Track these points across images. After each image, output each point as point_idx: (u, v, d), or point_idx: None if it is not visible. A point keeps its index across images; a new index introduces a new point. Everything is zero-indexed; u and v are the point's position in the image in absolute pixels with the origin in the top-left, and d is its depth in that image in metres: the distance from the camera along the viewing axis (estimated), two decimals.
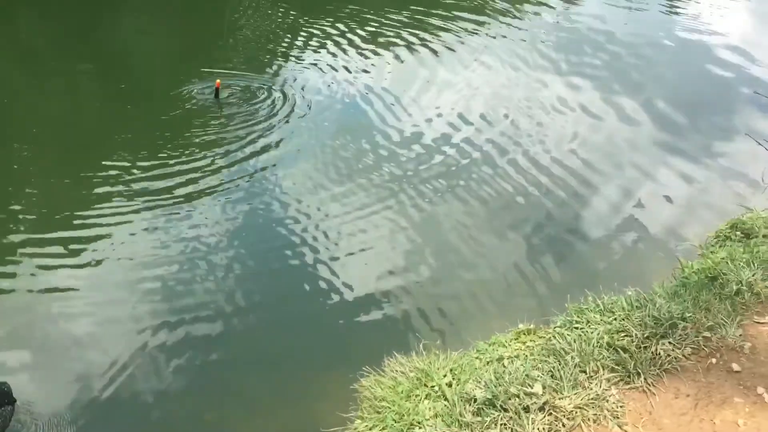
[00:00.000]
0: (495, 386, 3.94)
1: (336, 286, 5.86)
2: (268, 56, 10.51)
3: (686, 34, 12.02)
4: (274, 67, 10.12)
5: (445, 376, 4.29)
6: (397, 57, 10.47)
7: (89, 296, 5.69)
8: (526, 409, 3.77)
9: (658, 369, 4.03)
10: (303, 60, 10.29)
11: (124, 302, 5.64)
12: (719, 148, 8.25)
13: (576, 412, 3.76)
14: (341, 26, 11.42)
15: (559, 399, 3.83)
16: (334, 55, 10.45)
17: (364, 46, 10.77)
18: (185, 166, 7.35)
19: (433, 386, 4.24)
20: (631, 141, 8.34)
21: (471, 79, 9.85)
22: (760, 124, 8.79)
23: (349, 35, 11.12)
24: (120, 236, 6.36)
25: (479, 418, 3.79)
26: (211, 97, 8.69)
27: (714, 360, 4.08)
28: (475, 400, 3.89)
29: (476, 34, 11.48)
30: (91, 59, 10.15)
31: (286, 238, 6.44)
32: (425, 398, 4.17)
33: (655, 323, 4.28)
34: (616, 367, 4.06)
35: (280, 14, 12.06)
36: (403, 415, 4.03)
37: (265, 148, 7.82)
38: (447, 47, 10.91)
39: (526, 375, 4.01)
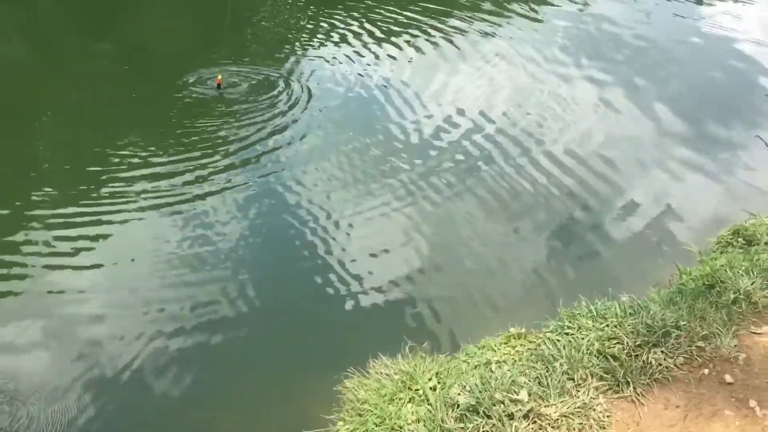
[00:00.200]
0: (480, 392, 3.84)
1: (333, 284, 5.80)
2: (284, 47, 10.52)
3: (708, 31, 11.86)
4: (290, 59, 10.09)
5: (430, 379, 4.20)
6: (414, 51, 10.44)
7: (94, 290, 5.68)
8: (511, 417, 3.67)
9: (649, 378, 3.92)
10: (318, 52, 10.29)
11: (130, 294, 5.63)
12: (729, 151, 8.14)
13: (561, 421, 3.66)
14: (359, 19, 11.40)
15: (545, 407, 3.73)
16: (350, 48, 10.43)
17: (381, 39, 10.75)
18: (196, 162, 7.29)
19: (417, 390, 4.15)
20: (640, 141, 8.26)
21: (490, 75, 9.79)
22: None
23: (366, 28, 11.13)
24: (130, 227, 6.38)
25: (461, 425, 3.70)
26: (217, 90, 8.67)
27: (706, 371, 3.96)
28: (458, 406, 3.79)
29: (496, 29, 11.44)
30: (107, 43, 10.24)
31: (288, 235, 6.39)
32: (409, 402, 4.08)
33: (647, 331, 4.16)
34: (605, 375, 3.96)
35: (299, 5, 12.00)
36: (385, 419, 3.95)
37: (277, 142, 7.78)
38: (466, 42, 10.88)
39: (513, 381, 3.91)
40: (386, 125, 8.24)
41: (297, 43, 10.66)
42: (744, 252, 5.31)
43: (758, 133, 8.31)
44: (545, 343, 4.35)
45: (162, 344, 5.17)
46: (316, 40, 10.72)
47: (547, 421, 3.65)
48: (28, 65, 9.59)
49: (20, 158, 7.39)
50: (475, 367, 4.32)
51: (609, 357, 4.05)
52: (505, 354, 4.44)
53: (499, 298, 5.73)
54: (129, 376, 4.93)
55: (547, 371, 4.01)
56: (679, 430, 3.62)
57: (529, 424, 3.64)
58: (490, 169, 7.47)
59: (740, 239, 5.69)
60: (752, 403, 3.70)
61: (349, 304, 5.62)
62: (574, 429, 3.62)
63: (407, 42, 10.71)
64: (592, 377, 3.96)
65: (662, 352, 4.04)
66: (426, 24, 11.39)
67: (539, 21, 11.99)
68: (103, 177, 6.95)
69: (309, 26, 11.25)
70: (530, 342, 4.53)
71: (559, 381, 3.91)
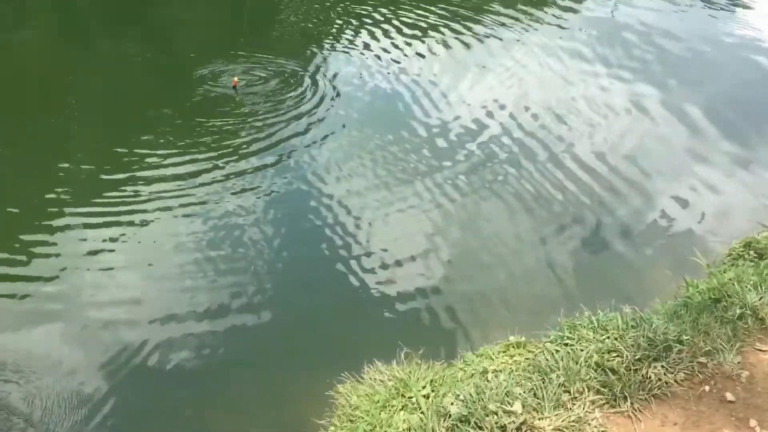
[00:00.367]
0: (473, 401, 3.77)
1: (339, 285, 5.75)
2: (311, 43, 10.50)
3: (744, 33, 11.64)
4: (316, 55, 10.05)
5: (424, 387, 4.13)
6: (437, 48, 10.36)
7: (111, 280, 5.72)
8: (503, 429, 3.59)
9: (647, 393, 3.82)
10: (345, 49, 10.24)
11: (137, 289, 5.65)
12: (751, 158, 7.92)
13: None
14: (387, 16, 11.34)
15: (539, 419, 3.65)
16: (377, 45, 10.37)
17: (408, 37, 10.67)
18: (216, 161, 7.25)
19: (410, 397, 4.09)
20: (664, 146, 8.07)
21: (518, 76, 9.66)
22: None
23: (394, 25, 11.05)
24: (147, 225, 6.36)
25: None
26: (234, 91, 8.62)
27: (707, 387, 3.85)
28: (450, 416, 3.71)
29: (526, 29, 11.29)
30: (133, 32, 10.35)
31: (302, 236, 6.37)
32: (401, 409, 4.02)
33: (649, 344, 4.06)
34: (603, 389, 3.86)
35: (327, 2, 12.01)
36: (376, 426, 3.89)
37: (300, 139, 7.75)
38: (495, 42, 10.76)
39: (507, 391, 3.83)
40: (411, 125, 8.16)
41: (324, 39, 10.62)
42: (754, 266, 5.17)
43: None
44: (544, 354, 4.26)
45: (162, 341, 5.16)
46: (343, 36, 10.69)
47: None
48: (55, 52, 9.69)
49: (44, 148, 7.46)
50: (471, 375, 4.25)
51: (607, 370, 3.96)
52: (502, 363, 4.37)
53: (503, 306, 5.64)
54: (128, 370, 4.93)
55: (544, 383, 3.92)
56: None
57: None
58: (514, 172, 7.34)
59: (752, 252, 5.55)
60: (752, 423, 3.59)
61: (349, 307, 5.57)
62: None
63: (435, 41, 10.62)
64: (588, 390, 3.86)
65: (662, 367, 3.94)
66: (454, 23, 11.30)
67: (569, 21, 11.81)
68: (122, 175, 6.96)
69: (337, 22, 11.21)
70: (529, 352, 4.45)
71: (555, 393, 3.82)
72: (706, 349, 4.05)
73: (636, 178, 7.40)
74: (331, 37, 10.68)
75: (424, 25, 11.14)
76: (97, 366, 4.92)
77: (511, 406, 3.69)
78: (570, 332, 4.42)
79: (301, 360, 4.94)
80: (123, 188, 6.72)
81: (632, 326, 4.29)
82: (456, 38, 10.74)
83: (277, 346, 5.13)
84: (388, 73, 9.41)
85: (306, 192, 6.86)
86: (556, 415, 3.67)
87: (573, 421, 3.64)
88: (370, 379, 4.31)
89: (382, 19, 11.23)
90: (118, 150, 7.29)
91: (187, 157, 7.24)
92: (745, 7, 13.34)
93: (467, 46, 10.53)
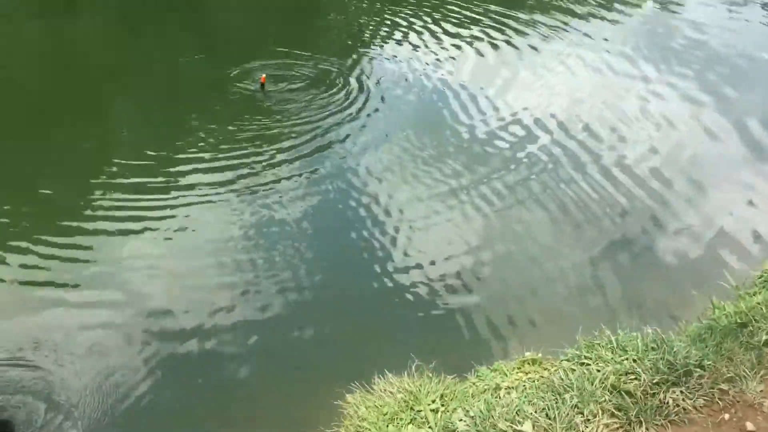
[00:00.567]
0: (482, 419, 3.69)
1: (361, 292, 5.71)
2: (347, 43, 10.54)
3: None
4: (352, 55, 10.06)
5: (433, 401, 4.05)
6: (478, 53, 10.26)
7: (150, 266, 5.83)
8: None
9: (663, 419, 3.68)
10: (381, 49, 10.24)
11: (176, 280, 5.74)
12: None
13: None
14: (424, 17, 11.32)
15: None
16: (413, 46, 10.34)
17: (445, 39, 10.61)
18: (250, 159, 7.29)
19: (419, 410, 4.01)
20: (705, 160, 7.80)
21: (555, 81, 9.53)
22: None
23: (430, 27, 10.99)
24: (183, 222, 6.43)
25: None
26: (261, 89, 8.60)
27: (727, 416, 3.70)
28: None
29: (563, 34, 11.12)
30: (180, 27, 10.65)
31: (336, 236, 6.37)
32: (409, 423, 3.94)
33: (668, 368, 3.92)
34: (617, 412, 3.73)
35: (365, 2, 12.02)
36: None
37: (338, 139, 7.76)
38: (532, 45, 10.62)
39: (518, 410, 3.74)
40: (445, 127, 8.10)
41: (361, 39, 10.63)
42: None
43: None
44: (559, 372, 4.14)
45: (185, 339, 5.20)
46: (379, 37, 10.68)
47: None
48: (106, 41, 9.90)
49: (86, 146, 7.60)
50: (483, 391, 4.16)
51: (623, 393, 3.83)
52: (516, 380, 4.26)
53: (523, 320, 5.51)
54: (148, 367, 4.97)
55: (556, 403, 3.81)
56: None
57: None
58: (544, 179, 7.23)
59: None
60: None
61: (368, 315, 5.51)
62: None
63: (472, 43, 10.53)
64: (603, 413, 3.74)
65: (681, 392, 3.80)
66: (492, 25, 11.19)
67: (612, 24, 11.60)
68: (160, 178, 7.02)
69: (374, 22, 11.21)
70: (544, 369, 4.34)
71: (568, 414, 3.71)
72: (729, 375, 3.90)
73: (678, 192, 7.18)
74: (376, 39, 10.68)
75: (470, 28, 11.06)
76: (122, 360, 4.97)
77: (521, 426, 3.60)
78: (588, 351, 4.31)
79: (313, 366, 4.91)
80: (161, 188, 6.80)
81: (652, 348, 4.16)
82: (503, 42, 10.63)
83: (291, 349, 5.10)
84: (433, 77, 9.34)
85: (343, 196, 6.83)
86: None
87: None
88: (380, 390, 4.25)
89: (429, 21, 11.19)
90: (159, 149, 7.40)
91: (224, 161, 7.29)
92: None
93: (515, 50, 10.41)
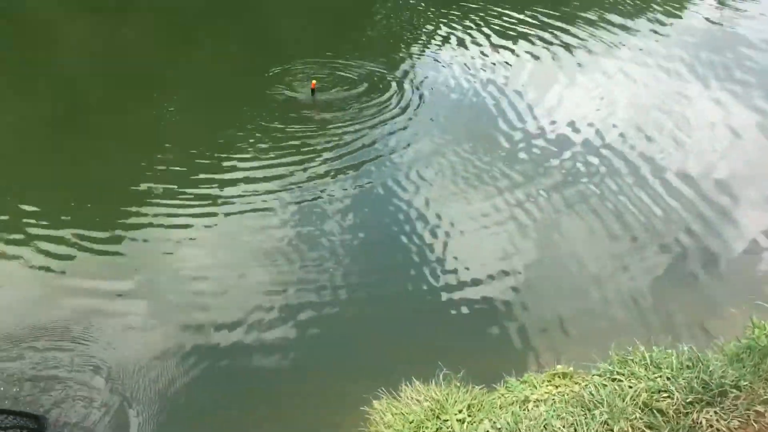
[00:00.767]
0: (509, 431, 3.63)
1: (395, 298, 5.73)
2: (399, 49, 10.53)
3: None
4: (404, 61, 10.06)
5: (460, 411, 4.01)
6: (531, 59, 10.17)
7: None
8: None
9: None
10: (433, 55, 10.21)
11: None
12: None
13: None
14: (476, 23, 11.26)
15: None
16: (465, 52, 10.29)
17: (497, 45, 10.54)
18: (299, 165, 7.34)
19: (445, 420, 3.97)
20: (759, 173, 7.60)
21: (607, 90, 9.37)
22: None
23: (483, 32, 10.94)
24: (229, 223, 6.57)
25: None
26: (311, 96, 8.61)
27: None
28: None
29: (619, 42, 10.93)
30: (230, 30, 10.72)
31: (375, 240, 6.39)
32: None
33: (703, 388, 3.82)
34: (648, 430, 3.65)
35: (419, 8, 12.04)
36: None
37: (380, 141, 7.81)
38: (585, 54, 10.49)
39: (546, 424, 3.68)
40: (495, 136, 8.04)
41: (413, 44, 10.62)
42: None
43: None
44: (590, 387, 4.06)
45: (221, 335, 5.30)
46: (431, 41, 10.66)
47: None
48: (156, 43, 10.14)
49: (138, 141, 7.78)
50: (511, 403, 4.10)
51: (655, 411, 3.74)
52: (545, 393, 4.19)
53: (557, 332, 5.44)
54: (185, 361, 5.09)
55: (586, 418, 3.75)
56: None
57: None
58: (596, 191, 7.13)
59: None
60: None
61: (399, 322, 5.51)
62: None
63: (524, 50, 10.43)
64: (633, 431, 3.66)
65: (715, 412, 3.69)
66: (545, 33, 11.07)
67: (666, 36, 11.35)
68: (206, 175, 7.15)
69: (425, 27, 11.20)
70: (575, 383, 4.26)
71: (597, 431, 3.64)
72: (765, 397, 3.78)
73: (722, 206, 7.01)
74: (420, 42, 10.66)
75: (513, 33, 10.96)
76: (162, 348, 5.12)
77: None
78: (620, 367, 4.21)
79: (342, 369, 4.94)
80: (207, 187, 6.93)
81: (687, 366, 4.05)
82: (545, 48, 10.51)
83: (321, 352, 5.14)
84: (476, 82, 9.29)
85: (388, 201, 6.85)
86: None
87: None
88: (407, 397, 4.22)
89: (472, 26, 11.11)
90: (205, 148, 7.52)
91: (269, 166, 7.36)
92: None
93: (556, 56, 10.28)
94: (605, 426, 3.69)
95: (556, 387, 4.26)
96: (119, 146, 7.50)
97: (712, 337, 4.87)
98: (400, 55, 10.22)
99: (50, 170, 7.10)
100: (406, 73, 9.45)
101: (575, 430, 3.66)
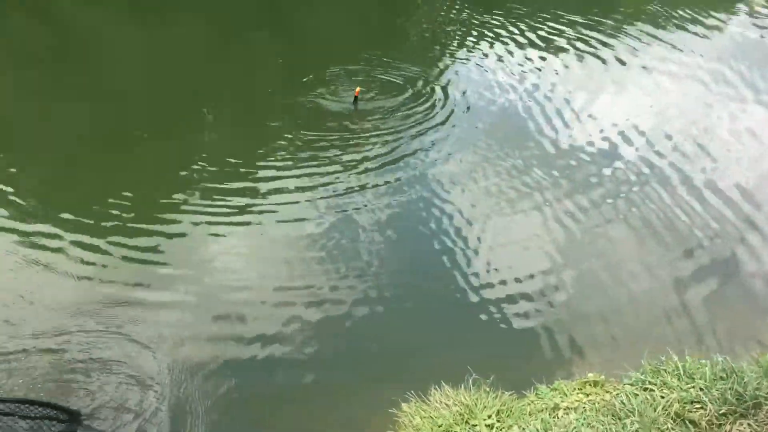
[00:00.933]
0: None
1: (430, 302, 5.67)
2: (434, 51, 10.52)
3: None
4: (438, 63, 10.05)
5: (489, 416, 4.00)
6: (572, 64, 10.08)
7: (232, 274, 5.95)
8: None
9: None
10: (468, 58, 10.15)
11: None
12: None
13: None
14: (511, 27, 11.19)
15: None
16: (505, 55, 10.23)
17: (537, 49, 10.46)
18: (338, 173, 7.29)
19: (474, 425, 3.96)
20: None
21: (650, 94, 9.25)
22: None
23: (518, 37, 10.86)
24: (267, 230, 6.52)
25: None
26: (353, 104, 8.57)
27: None
28: None
29: (662, 46, 10.78)
30: (265, 33, 10.74)
31: (415, 245, 6.34)
32: None
33: (737, 399, 3.77)
34: None
35: (455, 9, 12.05)
36: None
37: (422, 148, 7.75)
38: (627, 57, 10.35)
39: None
40: (540, 142, 7.96)
41: (456, 51, 10.55)
42: None
43: None
44: (621, 396, 4.03)
45: (257, 336, 5.30)
46: (467, 45, 10.58)
47: None
48: (197, 49, 10.23)
49: (177, 146, 7.83)
50: (541, 410, 4.08)
51: (687, 422, 3.71)
52: (576, 401, 4.17)
53: (589, 339, 5.34)
54: (222, 358, 5.11)
55: (616, 427, 3.72)
56: None
57: None
58: (627, 197, 7.02)
59: None
60: None
61: (431, 325, 5.46)
62: None
63: (569, 57, 10.31)
64: None
65: (749, 424, 3.65)
66: (585, 36, 10.93)
67: (714, 42, 11.18)
68: (240, 184, 7.13)
69: (461, 31, 11.14)
70: (606, 392, 4.23)
71: None
72: None
73: (763, 217, 6.85)
74: (463, 48, 10.57)
75: (558, 40, 10.84)
76: (195, 352, 5.11)
77: None
78: (653, 376, 4.18)
79: (371, 371, 4.93)
80: (245, 195, 6.90)
81: (721, 377, 4.01)
82: (591, 54, 10.38)
83: (352, 354, 5.13)
84: (520, 88, 9.21)
85: (424, 206, 6.79)
86: None
87: None
88: (436, 401, 4.22)
89: (516, 31, 11.02)
90: (243, 156, 7.51)
91: (306, 169, 7.34)
92: None
93: (603, 63, 10.14)
94: None
95: (587, 395, 4.24)
96: (157, 155, 7.58)
97: (747, 350, 4.80)
98: (444, 61, 10.19)
99: (89, 179, 7.14)
100: (449, 80, 9.41)
101: None
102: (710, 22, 11.93)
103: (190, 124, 8.16)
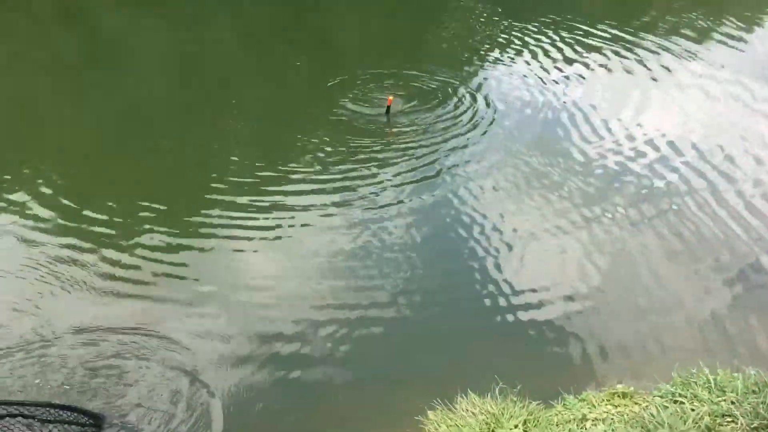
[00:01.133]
0: None
1: (458, 308, 5.66)
2: (468, 58, 10.52)
3: None
4: (473, 71, 10.06)
5: (516, 426, 3.98)
6: (600, 72, 10.03)
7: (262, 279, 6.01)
8: None
9: None
10: (500, 65, 10.19)
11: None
12: None
13: None
14: (549, 34, 11.18)
15: None
16: (534, 62, 10.22)
17: (571, 57, 10.43)
18: (367, 180, 7.34)
19: None
20: None
21: (684, 105, 9.11)
22: None
23: (556, 44, 10.85)
24: (294, 236, 6.57)
25: None
26: (385, 114, 8.54)
27: None
28: None
29: (696, 56, 10.65)
30: (296, 41, 10.90)
31: (444, 253, 6.33)
32: None
33: None
34: None
35: (484, 17, 12.06)
36: None
37: (452, 154, 7.76)
38: (661, 66, 10.24)
39: None
40: (570, 150, 7.92)
41: (486, 57, 10.58)
42: None
43: None
44: (650, 408, 3.99)
45: (285, 338, 5.35)
46: (503, 53, 10.59)
47: None
48: (225, 56, 10.36)
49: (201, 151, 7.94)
50: (568, 421, 4.05)
51: None
52: (604, 412, 4.13)
53: (620, 350, 5.27)
54: (252, 361, 5.16)
55: None
56: None
57: None
58: (674, 204, 6.95)
59: None
60: None
61: (459, 333, 5.43)
62: None
63: (598, 63, 10.27)
64: None
65: None
66: (619, 44, 10.87)
67: (741, 51, 11.00)
68: (270, 187, 7.21)
69: (497, 38, 11.15)
70: (635, 403, 4.18)
71: None
72: None
73: None
74: (494, 54, 10.59)
75: (587, 46, 10.80)
76: (225, 357, 5.17)
77: None
78: (683, 389, 4.13)
79: (398, 379, 4.91)
80: (273, 200, 6.98)
81: (753, 391, 3.94)
82: (620, 62, 10.30)
83: (379, 361, 5.12)
84: (550, 94, 9.17)
85: (457, 215, 6.77)
86: None
87: None
88: (462, 410, 4.21)
89: (554, 38, 11.01)
90: (272, 160, 7.61)
91: (335, 180, 7.37)
92: None
93: (631, 71, 10.06)
94: None
95: (616, 406, 4.20)
96: (187, 158, 7.68)
97: None
98: (473, 66, 10.20)
99: (118, 181, 7.27)
100: (479, 86, 9.40)
101: None
102: (738, 29, 11.76)
103: (218, 128, 8.27)
